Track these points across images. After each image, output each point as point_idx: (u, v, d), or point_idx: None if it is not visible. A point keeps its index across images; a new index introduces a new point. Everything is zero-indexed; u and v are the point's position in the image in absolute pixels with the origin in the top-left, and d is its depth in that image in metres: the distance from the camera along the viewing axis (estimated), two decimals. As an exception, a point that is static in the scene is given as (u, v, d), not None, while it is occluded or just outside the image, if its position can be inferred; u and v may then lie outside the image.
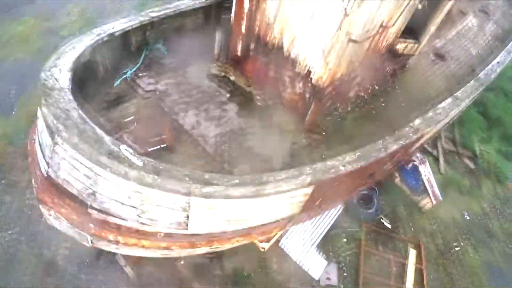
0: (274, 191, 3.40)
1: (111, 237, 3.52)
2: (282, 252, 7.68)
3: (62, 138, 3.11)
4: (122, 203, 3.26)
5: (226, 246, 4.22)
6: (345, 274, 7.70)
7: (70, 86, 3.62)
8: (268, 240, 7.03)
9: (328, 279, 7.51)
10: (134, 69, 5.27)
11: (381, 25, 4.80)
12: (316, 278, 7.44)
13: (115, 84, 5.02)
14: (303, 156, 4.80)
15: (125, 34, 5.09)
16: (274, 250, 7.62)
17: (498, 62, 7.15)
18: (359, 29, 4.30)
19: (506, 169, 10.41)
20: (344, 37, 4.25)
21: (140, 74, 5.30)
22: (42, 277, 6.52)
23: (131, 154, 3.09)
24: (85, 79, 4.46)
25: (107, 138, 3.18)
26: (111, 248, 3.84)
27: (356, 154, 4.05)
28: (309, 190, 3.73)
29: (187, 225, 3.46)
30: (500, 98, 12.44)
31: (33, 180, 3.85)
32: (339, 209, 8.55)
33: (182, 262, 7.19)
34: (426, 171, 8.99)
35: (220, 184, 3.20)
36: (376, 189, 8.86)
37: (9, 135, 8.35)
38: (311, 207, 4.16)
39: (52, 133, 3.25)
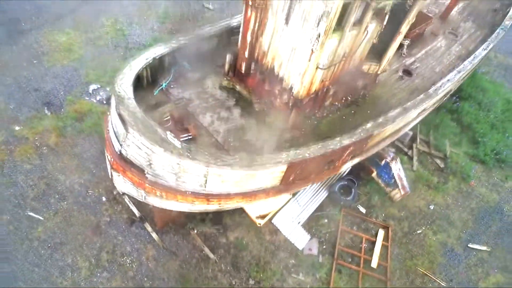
0: (261, 165, 5.29)
1: (158, 193, 5.50)
2: (274, 228, 9.59)
3: (132, 128, 5.10)
4: (167, 171, 5.23)
5: (229, 204, 6.15)
6: (324, 247, 9.57)
7: (133, 96, 5.61)
8: (263, 218, 8.98)
9: (310, 249, 9.41)
10: (167, 82, 7.30)
11: (344, 55, 6.71)
12: (300, 248, 9.33)
13: (154, 93, 7.07)
14: (285, 146, 6.74)
15: (162, 57, 7.10)
16: (268, 226, 9.56)
17: (448, 80, 8.91)
18: (324, 60, 6.21)
19: (470, 169, 12.12)
20: (313, 65, 6.15)
21: (172, 86, 7.32)
22: (91, 236, 8.59)
23: (174, 139, 5.06)
24: (136, 89, 6.46)
25: (159, 130, 5.16)
26: (157, 201, 5.80)
27: (318, 146, 5.95)
28: (284, 167, 5.65)
29: (205, 186, 5.42)
30: (474, 107, 14.08)
31: (107, 155, 5.82)
32: (323, 197, 10.45)
33: (196, 231, 9.16)
34: (396, 167, 10.83)
35: (227, 159, 5.13)
36: (355, 181, 10.73)
37: (60, 128, 10.44)
38: (287, 181, 6.07)
39: (125, 125, 5.23)
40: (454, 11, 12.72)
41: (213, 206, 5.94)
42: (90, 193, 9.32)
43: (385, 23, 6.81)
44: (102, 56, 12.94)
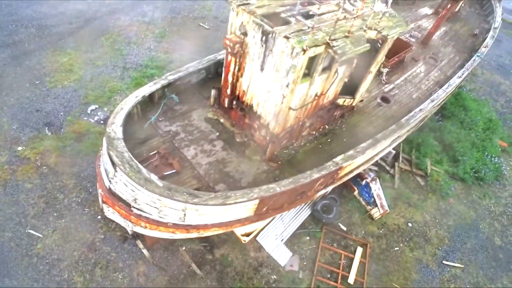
0: (234, 202, 5.93)
1: (142, 224, 6.17)
2: (258, 245, 10.21)
3: (119, 169, 5.76)
4: (150, 205, 5.89)
5: (208, 233, 6.81)
6: (304, 263, 10.18)
7: (122, 137, 6.26)
8: (248, 235, 9.61)
9: (291, 266, 10.04)
10: (156, 116, 7.97)
11: (316, 95, 7.33)
12: (282, 265, 9.95)
13: (144, 127, 7.73)
14: (262, 178, 7.41)
15: (152, 93, 7.77)
16: (253, 243, 10.18)
17: (420, 109, 9.46)
18: (296, 102, 6.85)
19: (449, 187, 12.71)
20: (286, 107, 6.78)
21: (160, 119, 7.99)
22: (86, 253, 9.26)
23: (156, 179, 5.73)
24: (127, 125, 7.12)
25: (143, 170, 5.82)
26: (142, 230, 6.48)
27: (289, 180, 6.57)
28: (256, 201, 6.28)
29: (184, 219, 6.08)
30: (456, 126, 14.65)
31: (98, 189, 6.51)
32: (306, 215, 11.07)
33: (184, 248, 9.81)
34: (376, 187, 11.44)
35: (202, 197, 5.78)
36: (337, 200, 11.36)
37: (60, 148, 11.12)
38: (260, 212, 6.71)
39: (114, 165, 5.90)
40: (436, 36, 13.29)
41: (193, 235, 6.61)
42: (86, 211, 9.99)
43: (354, 65, 7.43)
44: (100, 77, 13.63)
